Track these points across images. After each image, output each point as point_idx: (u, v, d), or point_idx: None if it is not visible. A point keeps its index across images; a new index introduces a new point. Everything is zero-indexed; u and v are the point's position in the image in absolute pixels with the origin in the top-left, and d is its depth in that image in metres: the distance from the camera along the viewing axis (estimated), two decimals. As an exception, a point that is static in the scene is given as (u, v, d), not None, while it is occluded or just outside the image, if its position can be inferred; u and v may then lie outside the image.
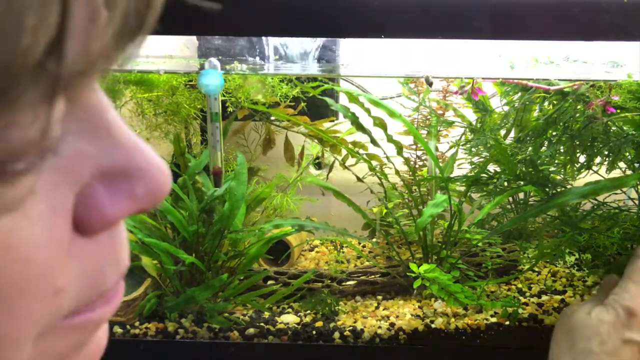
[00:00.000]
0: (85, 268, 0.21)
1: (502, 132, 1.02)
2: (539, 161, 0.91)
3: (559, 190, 0.89)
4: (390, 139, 0.98)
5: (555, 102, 0.90)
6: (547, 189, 0.90)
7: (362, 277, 1.01)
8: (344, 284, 1.00)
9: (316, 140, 1.14)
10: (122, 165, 0.21)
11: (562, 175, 0.97)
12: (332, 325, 0.90)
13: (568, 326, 0.71)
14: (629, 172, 0.90)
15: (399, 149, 0.99)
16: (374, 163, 1.05)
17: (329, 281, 0.99)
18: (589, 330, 0.68)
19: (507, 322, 0.90)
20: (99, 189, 0.21)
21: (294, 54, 0.93)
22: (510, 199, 1.09)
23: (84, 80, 0.18)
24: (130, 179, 0.21)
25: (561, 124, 0.89)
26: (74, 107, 0.19)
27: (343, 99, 1.07)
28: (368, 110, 0.97)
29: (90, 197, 0.20)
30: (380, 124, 0.98)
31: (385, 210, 1.08)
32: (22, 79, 0.15)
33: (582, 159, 0.92)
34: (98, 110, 0.21)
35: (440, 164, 1.04)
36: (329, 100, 0.98)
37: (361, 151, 1.08)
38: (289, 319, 0.92)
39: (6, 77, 0.15)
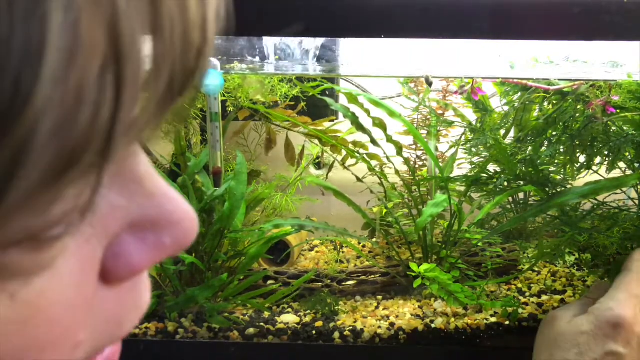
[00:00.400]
0: (106, 317, 0.21)
1: (502, 132, 1.02)
2: (539, 161, 0.91)
3: (559, 190, 0.89)
4: (389, 139, 0.98)
5: (555, 102, 0.90)
6: (547, 189, 0.90)
7: (362, 277, 1.01)
8: (344, 283, 1.00)
9: (316, 141, 1.14)
10: (153, 216, 0.21)
11: (562, 175, 0.97)
12: (332, 325, 0.90)
13: (548, 334, 0.68)
14: (629, 172, 0.89)
15: (399, 149, 0.99)
16: (374, 163, 1.05)
17: (329, 281, 0.99)
18: (567, 340, 0.65)
19: (507, 322, 0.90)
20: (127, 240, 0.20)
21: (293, 54, 0.93)
22: (510, 199, 1.09)
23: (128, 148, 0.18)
24: (159, 229, 0.21)
25: (561, 124, 0.89)
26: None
27: (343, 99, 1.07)
28: (367, 111, 0.97)
29: (118, 247, 0.20)
30: (380, 124, 0.98)
31: (385, 210, 1.08)
32: (82, 159, 0.15)
33: (582, 159, 0.92)
34: (130, 163, 0.20)
35: (440, 164, 1.04)
36: (328, 100, 0.98)
37: (362, 151, 1.08)
38: (288, 318, 0.92)
39: (66, 157, 0.14)
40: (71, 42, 0.14)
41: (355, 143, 1.12)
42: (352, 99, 0.97)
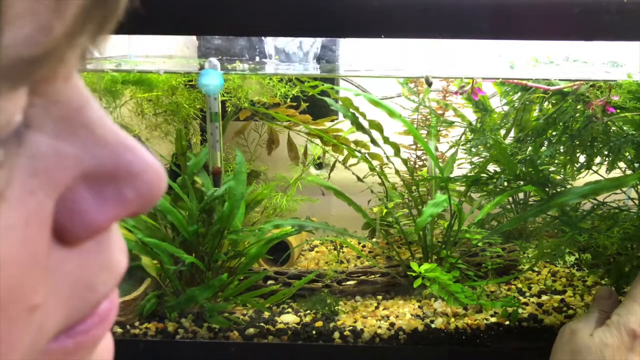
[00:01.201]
0: (69, 280, 0.19)
1: (502, 132, 1.02)
2: (539, 161, 0.91)
3: (559, 190, 0.89)
4: (386, 140, 0.98)
5: (554, 101, 0.90)
6: (547, 189, 0.90)
7: (362, 277, 1.01)
8: (344, 284, 1.00)
9: (317, 140, 1.14)
10: (109, 166, 0.19)
11: (562, 175, 0.97)
12: (332, 325, 0.90)
13: (570, 347, 0.69)
14: (629, 172, 0.89)
15: (397, 150, 1.00)
16: (375, 163, 1.05)
17: (329, 281, 0.99)
18: (592, 352, 0.66)
19: (507, 322, 0.90)
20: (82, 194, 0.19)
21: (294, 54, 0.93)
22: (510, 199, 1.09)
23: (49, 69, 0.16)
24: (118, 181, 0.19)
25: (561, 124, 0.89)
26: (48, 103, 0.17)
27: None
28: (363, 114, 0.97)
29: (72, 202, 0.18)
30: (377, 126, 0.98)
31: (385, 210, 1.08)
32: None
33: (582, 159, 0.92)
34: (78, 106, 0.18)
35: (440, 164, 1.04)
36: (328, 100, 0.98)
37: (363, 150, 1.08)
38: (288, 319, 0.92)
39: None
40: None
41: (357, 142, 1.12)
42: (348, 102, 0.97)
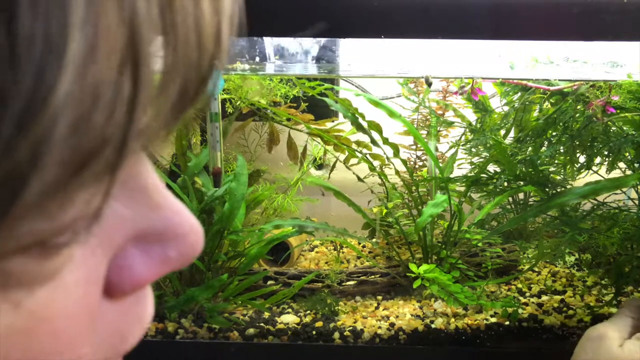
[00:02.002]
0: (108, 331, 0.20)
1: (502, 132, 1.02)
2: (539, 161, 0.91)
3: (559, 190, 0.89)
4: (385, 141, 0.98)
5: (553, 101, 0.90)
6: (547, 189, 0.90)
7: (362, 277, 1.01)
8: (344, 284, 1.00)
9: (318, 140, 1.14)
10: (159, 228, 0.20)
11: (562, 175, 0.97)
12: (332, 325, 0.90)
13: (596, 355, 0.66)
14: (629, 172, 0.89)
15: (396, 151, 0.99)
16: (376, 163, 1.05)
17: (329, 281, 0.99)
18: None
19: (507, 322, 0.90)
20: (132, 252, 0.20)
21: (294, 54, 0.93)
22: (510, 199, 1.09)
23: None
24: (165, 242, 0.20)
25: (561, 124, 0.89)
26: None
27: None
28: (362, 115, 0.97)
29: (123, 260, 0.20)
30: (376, 127, 0.98)
31: (385, 211, 1.08)
32: (95, 161, 0.14)
33: (582, 159, 0.92)
34: (136, 172, 0.20)
35: (440, 164, 1.04)
36: (328, 100, 0.98)
37: (364, 151, 1.08)
38: (288, 319, 0.92)
39: (80, 158, 0.14)
40: (92, 37, 0.13)
41: (358, 143, 1.12)
42: (347, 103, 0.97)
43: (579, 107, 0.86)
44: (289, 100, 1.08)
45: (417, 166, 1.19)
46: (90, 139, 0.14)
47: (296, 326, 0.90)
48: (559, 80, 0.86)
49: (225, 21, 0.18)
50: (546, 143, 0.94)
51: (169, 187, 0.24)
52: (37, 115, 0.13)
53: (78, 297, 0.18)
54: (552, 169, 0.96)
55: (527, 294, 1.00)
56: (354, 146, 1.11)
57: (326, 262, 1.14)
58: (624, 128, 0.86)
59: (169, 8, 0.16)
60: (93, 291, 0.18)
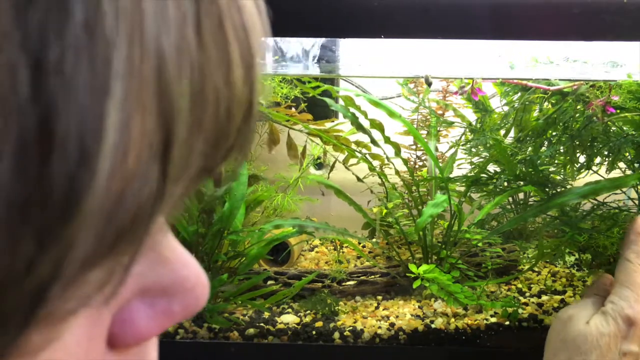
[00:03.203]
0: None
1: (502, 132, 1.02)
2: (539, 161, 0.91)
3: (559, 190, 0.89)
4: (387, 140, 0.98)
5: (553, 101, 0.90)
6: (547, 189, 0.90)
7: (362, 277, 1.01)
8: (344, 284, 1.00)
9: (318, 140, 1.14)
10: (166, 282, 0.20)
11: (562, 175, 0.97)
12: (332, 325, 0.90)
13: (565, 335, 0.67)
14: (629, 172, 0.89)
15: (397, 150, 0.99)
16: (376, 163, 1.05)
17: (329, 281, 0.99)
18: (588, 342, 0.64)
19: (507, 322, 0.90)
20: (136, 306, 0.19)
21: (293, 54, 0.93)
22: (510, 199, 1.09)
23: None
24: (171, 296, 0.20)
25: (561, 124, 0.89)
26: None
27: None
28: (365, 113, 0.97)
29: (128, 313, 0.19)
30: (378, 126, 0.98)
31: (385, 211, 1.08)
32: (120, 245, 0.14)
33: (582, 159, 0.92)
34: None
35: (440, 164, 1.04)
36: (328, 100, 0.98)
37: (364, 151, 1.08)
38: (288, 319, 0.92)
39: (104, 246, 0.14)
40: (124, 140, 0.13)
41: (358, 143, 1.12)
42: (350, 102, 0.97)
43: (579, 107, 0.86)
44: (289, 101, 1.08)
45: (417, 166, 1.19)
46: (116, 227, 0.14)
47: (296, 326, 0.90)
48: (559, 80, 0.86)
49: (256, 87, 0.18)
50: (546, 143, 0.94)
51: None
52: (65, 224, 0.13)
53: (81, 352, 0.17)
54: (552, 169, 0.96)
55: (527, 294, 1.00)
56: (353, 146, 1.11)
57: (326, 262, 1.14)
58: (624, 128, 0.86)
59: (201, 103, 0.15)
60: (96, 347, 0.18)
